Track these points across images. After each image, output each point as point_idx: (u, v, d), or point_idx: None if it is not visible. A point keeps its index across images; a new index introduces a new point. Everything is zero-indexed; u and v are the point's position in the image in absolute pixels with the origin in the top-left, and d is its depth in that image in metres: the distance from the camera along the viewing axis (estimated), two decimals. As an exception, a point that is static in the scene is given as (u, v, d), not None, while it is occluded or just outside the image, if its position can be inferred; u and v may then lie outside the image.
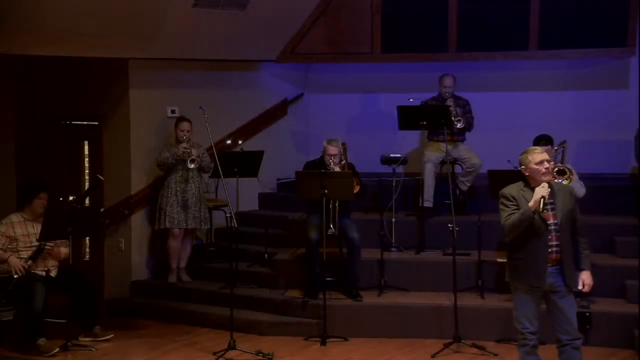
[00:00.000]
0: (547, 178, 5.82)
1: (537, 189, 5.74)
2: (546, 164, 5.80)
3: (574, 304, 5.96)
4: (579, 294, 6.32)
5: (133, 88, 9.02)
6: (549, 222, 5.81)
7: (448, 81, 9.17)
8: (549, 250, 5.81)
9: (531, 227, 5.78)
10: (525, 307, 5.91)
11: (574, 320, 5.92)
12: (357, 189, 8.19)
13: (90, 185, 8.90)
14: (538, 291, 5.87)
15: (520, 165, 5.93)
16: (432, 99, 9.22)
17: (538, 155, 5.82)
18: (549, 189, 5.75)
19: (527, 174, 5.86)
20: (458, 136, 9.16)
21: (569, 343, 5.90)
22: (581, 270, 5.95)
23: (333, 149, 8.28)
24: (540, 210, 5.70)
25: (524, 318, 5.91)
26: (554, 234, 5.81)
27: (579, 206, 6.04)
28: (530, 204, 5.72)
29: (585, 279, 5.96)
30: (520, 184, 5.91)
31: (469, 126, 9.11)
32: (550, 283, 5.84)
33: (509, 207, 5.83)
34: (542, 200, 5.69)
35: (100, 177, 8.35)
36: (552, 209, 5.83)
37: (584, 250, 5.96)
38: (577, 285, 5.93)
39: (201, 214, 8.89)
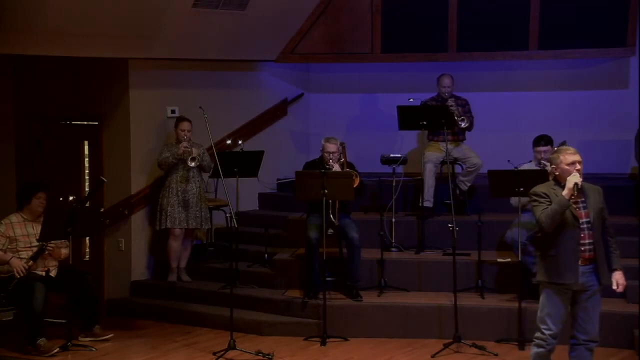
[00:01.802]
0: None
1: (569, 178, 5.71)
2: (577, 165, 5.78)
3: (600, 304, 5.93)
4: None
5: (133, 88, 9.02)
6: (581, 220, 5.79)
7: (447, 81, 9.17)
8: (582, 248, 5.79)
9: (563, 223, 5.76)
10: (553, 308, 5.86)
11: (597, 321, 5.91)
12: (357, 181, 8.19)
13: (93, 186, 8.87)
14: (568, 292, 5.84)
15: (551, 165, 5.94)
16: (431, 99, 9.21)
17: (570, 156, 5.81)
18: (581, 178, 5.74)
19: (557, 173, 5.86)
20: (459, 136, 9.16)
21: (584, 343, 5.90)
22: (614, 270, 5.91)
23: (331, 146, 8.28)
24: (574, 194, 5.69)
25: (548, 319, 5.87)
26: (586, 232, 5.80)
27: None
28: (565, 192, 5.70)
29: (618, 279, 5.92)
30: (551, 182, 5.90)
31: (470, 125, 9.11)
32: (583, 282, 5.82)
33: (542, 203, 5.80)
34: (575, 186, 5.68)
35: (104, 178, 8.36)
36: (584, 207, 5.82)
37: (614, 250, 5.94)
38: (610, 281, 5.87)
39: (202, 214, 8.89)
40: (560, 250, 5.81)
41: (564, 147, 6.10)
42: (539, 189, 5.90)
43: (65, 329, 7.71)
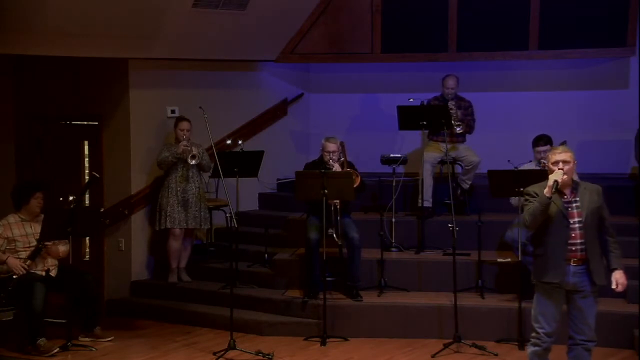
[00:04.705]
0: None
1: (550, 176, 5.77)
2: (560, 165, 5.81)
3: (595, 305, 5.92)
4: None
5: (133, 88, 9.02)
6: (572, 220, 5.80)
7: (451, 82, 9.16)
8: (572, 248, 5.80)
9: (551, 222, 5.79)
10: (545, 307, 5.89)
11: (592, 322, 5.91)
12: (357, 181, 8.19)
13: (86, 182, 8.87)
14: (560, 291, 5.85)
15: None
16: (434, 99, 9.21)
17: (554, 156, 5.87)
18: (564, 175, 5.75)
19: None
20: (458, 137, 9.15)
21: (582, 343, 5.90)
22: (613, 269, 5.91)
23: (332, 146, 8.28)
24: (554, 191, 5.71)
25: (541, 317, 5.90)
26: (578, 231, 5.80)
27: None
28: (545, 190, 5.75)
29: (618, 279, 5.90)
30: (545, 182, 5.91)
31: (469, 129, 9.10)
32: (575, 283, 5.83)
33: (531, 202, 5.86)
34: (555, 184, 5.70)
35: (96, 174, 8.33)
36: (577, 207, 5.83)
37: (614, 250, 5.94)
38: (604, 281, 5.87)
39: (201, 214, 8.89)
40: (548, 250, 5.85)
41: (555, 146, 6.16)
42: (532, 188, 5.97)
43: (65, 329, 7.71)
